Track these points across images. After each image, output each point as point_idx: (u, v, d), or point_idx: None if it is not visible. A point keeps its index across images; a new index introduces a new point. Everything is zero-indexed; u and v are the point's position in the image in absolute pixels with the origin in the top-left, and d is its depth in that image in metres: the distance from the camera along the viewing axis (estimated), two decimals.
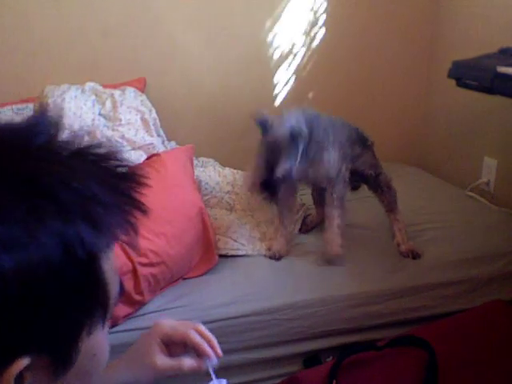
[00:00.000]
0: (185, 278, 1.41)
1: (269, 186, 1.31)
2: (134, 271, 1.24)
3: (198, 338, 0.75)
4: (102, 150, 0.48)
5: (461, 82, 1.41)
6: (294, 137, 1.31)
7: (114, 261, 0.49)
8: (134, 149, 1.74)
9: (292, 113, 1.38)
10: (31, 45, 1.94)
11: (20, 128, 0.46)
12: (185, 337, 0.75)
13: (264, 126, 1.34)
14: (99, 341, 0.50)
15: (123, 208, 0.47)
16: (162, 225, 1.34)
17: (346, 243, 1.47)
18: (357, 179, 1.64)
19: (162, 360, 0.75)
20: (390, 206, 1.62)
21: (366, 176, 1.61)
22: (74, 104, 1.71)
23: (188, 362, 0.74)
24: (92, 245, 0.44)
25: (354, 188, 1.69)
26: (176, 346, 0.77)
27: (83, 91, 1.81)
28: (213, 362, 0.74)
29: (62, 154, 0.46)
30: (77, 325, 0.46)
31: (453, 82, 1.44)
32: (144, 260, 1.26)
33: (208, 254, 1.45)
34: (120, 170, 0.49)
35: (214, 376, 0.74)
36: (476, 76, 1.35)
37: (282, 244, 1.52)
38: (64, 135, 0.47)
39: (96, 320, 0.47)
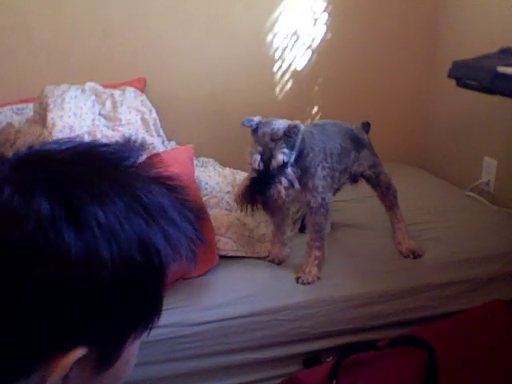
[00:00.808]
0: (185, 278, 1.41)
1: (261, 186, 1.28)
2: None
3: None
4: (174, 182, 0.53)
5: (461, 82, 1.41)
6: (290, 128, 1.29)
7: None
8: None
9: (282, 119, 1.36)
10: (31, 45, 1.94)
11: (115, 149, 0.52)
12: None
13: (254, 126, 1.32)
14: (135, 349, 0.53)
15: (188, 235, 0.51)
16: None
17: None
18: (356, 179, 1.62)
19: None
20: (391, 205, 1.61)
21: (365, 177, 1.60)
22: (74, 104, 1.71)
23: None
24: (165, 257, 0.48)
25: (354, 181, 1.65)
26: None
27: (83, 91, 1.81)
28: None
29: (144, 176, 0.51)
30: (132, 327, 0.49)
31: (453, 82, 1.44)
32: None
33: (208, 254, 1.45)
34: (187, 202, 0.53)
35: None
36: (476, 76, 1.35)
37: (280, 249, 1.51)
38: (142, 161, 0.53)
39: (146, 327, 0.51)
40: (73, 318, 0.44)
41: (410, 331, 1.29)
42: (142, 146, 0.54)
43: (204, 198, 1.64)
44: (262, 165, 1.28)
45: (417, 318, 1.44)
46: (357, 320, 1.39)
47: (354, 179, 1.63)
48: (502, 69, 1.28)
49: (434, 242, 1.61)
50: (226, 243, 1.52)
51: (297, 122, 1.32)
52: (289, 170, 1.31)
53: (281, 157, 1.28)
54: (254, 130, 1.32)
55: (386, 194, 1.60)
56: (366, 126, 1.67)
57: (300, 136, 1.32)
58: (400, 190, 1.97)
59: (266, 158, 1.28)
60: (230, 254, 1.51)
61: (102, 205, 0.44)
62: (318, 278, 1.43)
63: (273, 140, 1.28)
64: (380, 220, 1.68)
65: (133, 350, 0.52)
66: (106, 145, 0.52)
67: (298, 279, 1.42)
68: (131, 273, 0.45)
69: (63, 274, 0.42)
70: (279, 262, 1.50)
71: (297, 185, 1.33)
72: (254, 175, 1.30)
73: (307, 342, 1.37)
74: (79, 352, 0.44)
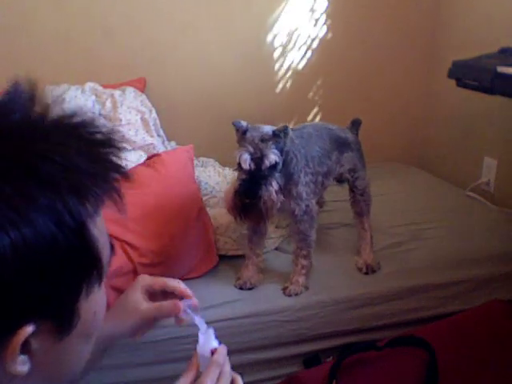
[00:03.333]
0: (185, 279, 1.41)
1: (251, 188, 1.22)
2: (135, 272, 1.24)
3: (176, 283, 0.82)
4: (76, 119, 0.50)
5: (461, 82, 1.41)
6: (279, 129, 1.26)
7: (103, 224, 0.51)
8: (134, 149, 1.74)
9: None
10: (31, 45, 1.94)
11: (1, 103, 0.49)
12: (164, 283, 0.81)
13: (244, 127, 1.28)
14: (97, 299, 0.53)
15: (104, 174, 0.49)
16: (162, 225, 1.34)
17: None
18: (342, 179, 1.58)
19: (145, 305, 0.80)
20: (360, 213, 1.55)
21: (344, 179, 1.55)
22: (73, 104, 1.71)
23: (167, 303, 0.80)
24: (79, 213, 0.46)
25: (340, 182, 1.61)
26: (157, 296, 0.82)
27: (83, 91, 1.81)
28: (189, 302, 0.80)
29: (38, 128, 0.47)
30: (75, 288, 0.48)
31: (453, 82, 1.44)
32: (144, 260, 1.27)
33: (208, 254, 1.45)
34: (96, 136, 0.50)
35: (193, 315, 0.78)
36: (476, 76, 1.35)
37: (253, 272, 1.41)
38: (39, 107, 0.49)
39: (92, 281, 0.50)
40: (2, 306, 0.44)
41: (409, 331, 1.29)
42: (31, 92, 0.50)
43: (204, 198, 1.64)
44: (252, 164, 1.23)
45: (417, 318, 1.44)
46: (357, 320, 1.39)
47: (339, 180, 1.59)
48: (502, 69, 1.27)
49: (434, 242, 1.62)
50: (225, 242, 1.52)
51: (286, 125, 1.28)
52: (277, 174, 1.26)
53: (273, 156, 1.23)
54: (243, 133, 1.27)
55: (358, 200, 1.54)
56: (356, 124, 1.60)
57: (289, 139, 1.28)
58: (400, 190, 1.97)
59: (257, 157, 1.23)
60: (230, 253, 1.51)
61: None
62: (307, 288, 1.39)
63: (263, 141, 1.24)
64: (379, 220, 1.68)
65: (95, 302, 0.52)
66: None
67: (284, 290, 1.38)
68: (46, 245, 0.44)
69: None
70: (250, 287, 1.39)
71: (281, 195, 1.27)
72: (244, 177, 1.24)
73: (307, 343, 1.37)
74: (27, 330, 0.45)
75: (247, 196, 1.22)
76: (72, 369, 0.54)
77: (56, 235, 0.44)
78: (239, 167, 1.26)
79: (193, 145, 1.64)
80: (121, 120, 1.76)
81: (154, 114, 1.88)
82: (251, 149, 1.23)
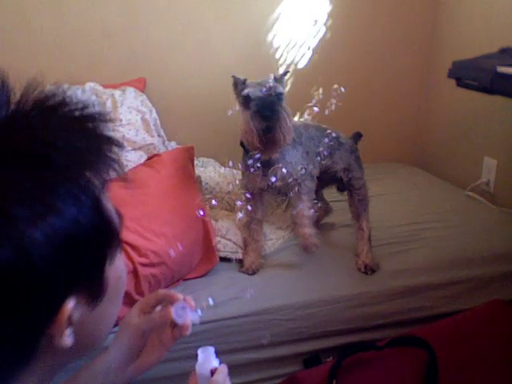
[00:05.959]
0: (185, 279, 1.41)
1: (269, 105, 1.34)
2: (135, 271, 1.24)
3: (165, 290, 0.82)
4: (54, 100, 0.53)
5: (461, 82, 1.41)
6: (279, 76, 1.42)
7: (109, 197, 0.54)
8: (134, 149, 1.74)
9: None
10: (31, 45, 1.94)
11: None
12: (155, 294, 0.81)
13: (241, 79, 1.45)
14: (119, 265, 0.57)
15: (99, 148, 0.51)
16: (163, 225, 1.34)
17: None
18: (328, 181, 1.60)
19: (137, 319, 0.79)
20: (357, 213, 1.57)
21: (337, 178, 1.57)
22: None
23: (156, 311, 0.79)
24: (92, 192, 0.49)
25: (340, 189, 1.65)
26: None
27: (83, 91, 1.81)
28: (180, 305, 0.77)
29: (28, 117, 0.50)
30: (101, 259, 0.52)
31: (453, 82, 1.44)
32: (144, 260, 1.27)
33: (208, 254, 1.45)
34: (80, 113, 0.53)
35: (186, 316, 0.76)
36: (476, 76, 1.36)
37: (254, 258, 1.46)
38: (16, 97, 0.52)
39: (113, 249, 0.54)
40: (44, 289, 0.47)
41: (410, 331, 1.29)
42: (3, 83, 0.53)
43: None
44: (262, 92, 1.35)
45: (417, 318, 1.44)
46: (357, 320, 1.39)
47: (339, 188, 1.63)
48: (502, 69, 1.28)
49: (434, 241, 1.61)
50: (226, 245, 1.51)
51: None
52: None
53: (279, 87, 1.39)
54: (242, 83, 1.46)
55: (354, 199, 1.56)
56: (357, 136, 1.66)
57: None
58: (400, 190, 1.97)
59: (265, 89, 1.36)
60: (230, 256, 1.50)
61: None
62: (316, 238, 1.43)
63: (264, 82, 1.39)
64: (379, 219, 1.68)
65: (118, 267, 0.56)
66: None
67: (304, 248, 1.43)
68: (71, 227, 0.47)
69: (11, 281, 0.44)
70: (253, 272, 1.44)
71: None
72: (256, 102, 1.35)
73: (307, 342, 1.37)
74: (69, 305, 0.48)
75: (265, 115, 1.31)
76: (104, 332, 0.59)
77: (77, 216, 0.47)
78: (246, 102, 1.37)
79: (193, 145, 1.65)
80: (121, 120, 1.76)
81: (155, 114, 1.89)
82: (257, 85, 1.38)
